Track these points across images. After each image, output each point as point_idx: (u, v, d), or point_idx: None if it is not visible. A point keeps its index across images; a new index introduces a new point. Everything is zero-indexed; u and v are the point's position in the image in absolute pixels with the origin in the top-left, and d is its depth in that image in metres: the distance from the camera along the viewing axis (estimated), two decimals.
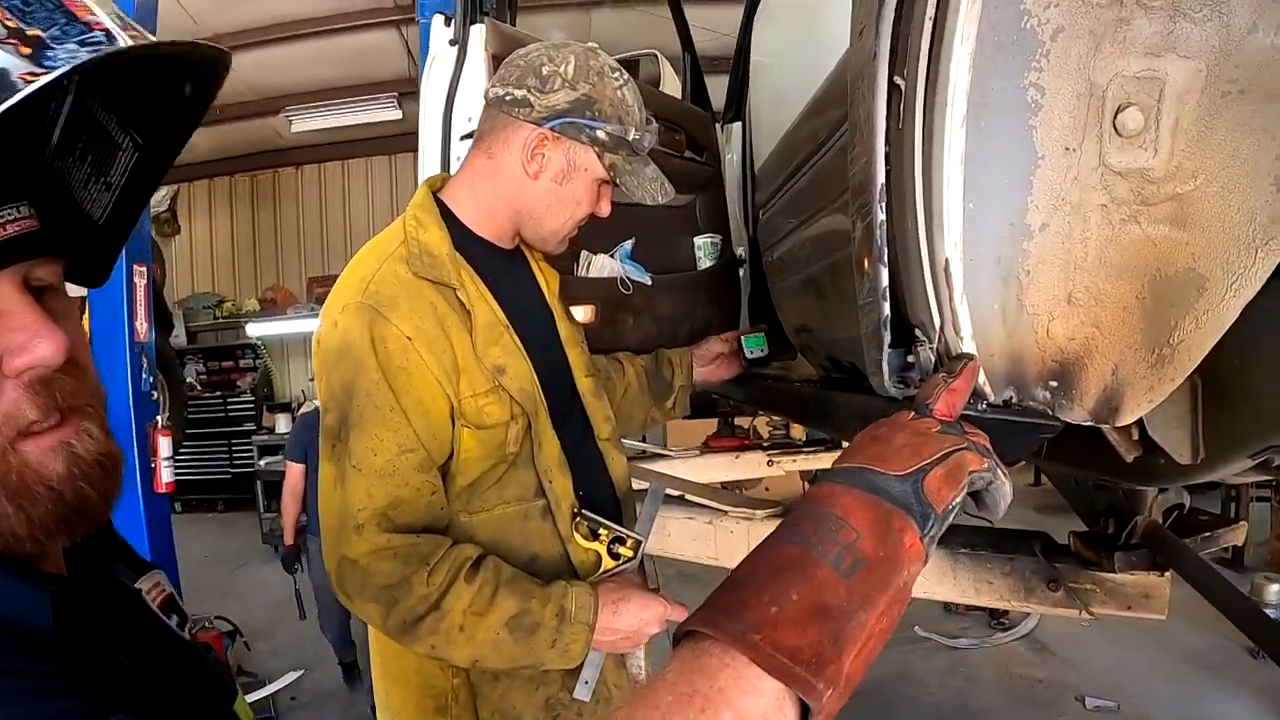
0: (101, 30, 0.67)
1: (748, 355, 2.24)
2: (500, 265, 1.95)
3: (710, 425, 5.57)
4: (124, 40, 0.67)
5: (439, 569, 1.68)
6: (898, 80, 1.13)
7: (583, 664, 1.80)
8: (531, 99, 1.81)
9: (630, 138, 1.85)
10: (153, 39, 0.70)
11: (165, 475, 5.04)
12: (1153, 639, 5.61)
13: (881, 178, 1.16)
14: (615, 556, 1.91)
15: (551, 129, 1.82)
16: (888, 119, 1.15)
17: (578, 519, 1.90)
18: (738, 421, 5.55)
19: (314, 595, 5.41)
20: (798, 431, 4.86)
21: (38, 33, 0.65)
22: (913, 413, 1.02)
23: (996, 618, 6.13)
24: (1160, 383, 1.13)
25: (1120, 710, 4.83)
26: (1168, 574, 1.84)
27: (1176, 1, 1.00)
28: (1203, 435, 1.27)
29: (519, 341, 1.88)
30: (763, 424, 5.42)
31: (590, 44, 1.90)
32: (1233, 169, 1.04)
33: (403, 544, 1.69)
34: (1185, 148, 1.05)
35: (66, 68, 0.63)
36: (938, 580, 2.00)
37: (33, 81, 0.61)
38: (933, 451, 0.94)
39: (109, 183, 0.89)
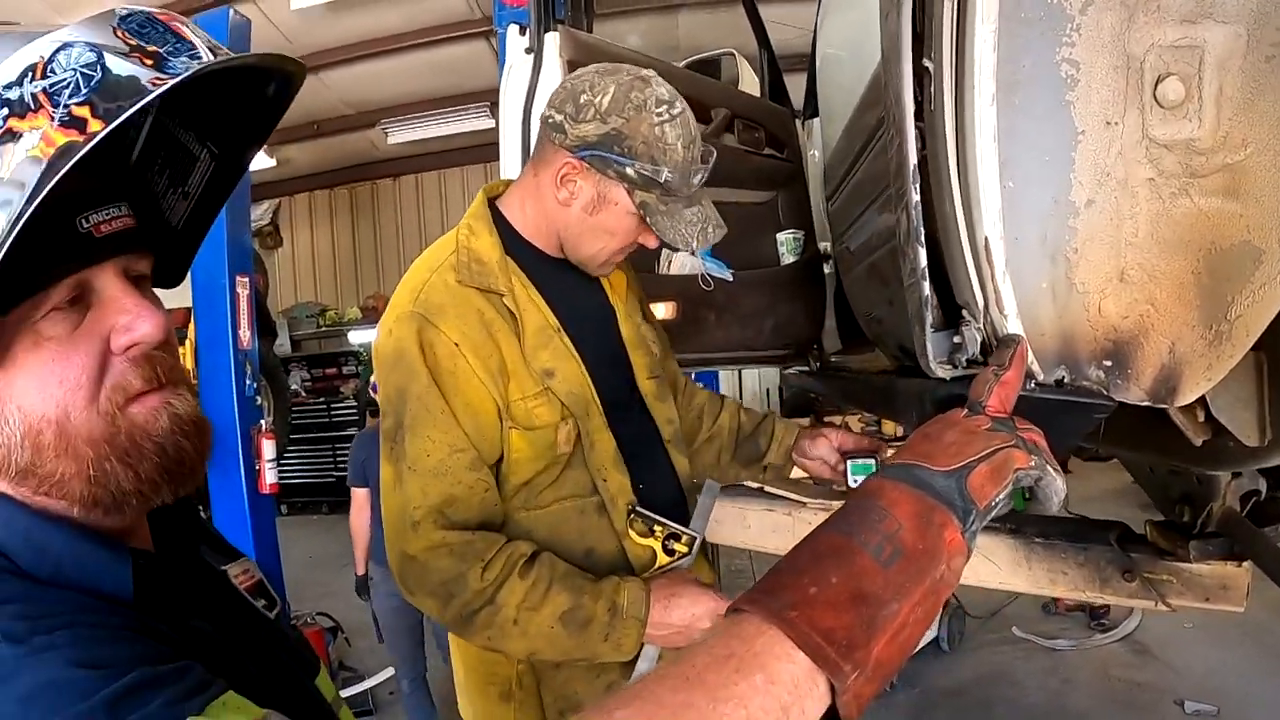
0: (205, 47, 0.79)
1: (850, 483, 2.03)
2: (553, 270, 1.94)
3: (805, 421, 5.57)
4: (218, 56, 0.79)
5: (494, 564, 1.72)
6: (926, 63, 1.13)
7: (638, 656, 1.82)
8: (566, 126, 1.77)
9: (663, 179, 1.75)
10: (237, 55, 0.81)
11: (269, 477, 5.24)
12: (1255, 641, 5.41)
13: (914, 159, 1.16)
14: (670, 553, 1.92)
15: (582, 159, 1.78)
16: (919, 101, 1.16)
17: (633, 515, 1.91)
18: (829, 419, 5.54)
19: (377, 621, 5.27)
20: (889, 427, 4.82)
21: (155, 49, 0.76)
22: (966, 410, 1.03)
23: (1096, 619, 5.97)
24: (1219, 360, 1.11)
25: (1220, 714, 4.66)
26: (1246, 564, 1.78)
27: None
28: (1270, 415, 1.24)
29: (570, 344, 1.88)
30: (855, 420, 5.39)
31: (648, 71, 1.82)
32: None
33: (458, 540, 1.74)
34: (1232, 116, 1.03)
35: (189, 73, 0.75)
36: (1012, 571, 1.97)
37: (160, 85, 0.74)
38: (979, 449, 0.95)
39: (186, 192, 1.00)
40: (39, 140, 0.71)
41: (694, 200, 1.86)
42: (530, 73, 2.84)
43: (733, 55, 5.04)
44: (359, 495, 5.18)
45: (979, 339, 1.17)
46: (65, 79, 0.73)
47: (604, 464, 1.90)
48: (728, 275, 3.28)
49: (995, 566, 1.95)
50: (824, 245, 3.90)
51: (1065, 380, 1.16)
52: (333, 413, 13.07)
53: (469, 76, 10.89)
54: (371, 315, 13.01)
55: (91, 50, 0.74)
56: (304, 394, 13.21)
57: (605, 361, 1.98)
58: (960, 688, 5.25)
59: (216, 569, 1.08)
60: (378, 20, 9.47)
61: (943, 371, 1.24)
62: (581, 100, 1.76)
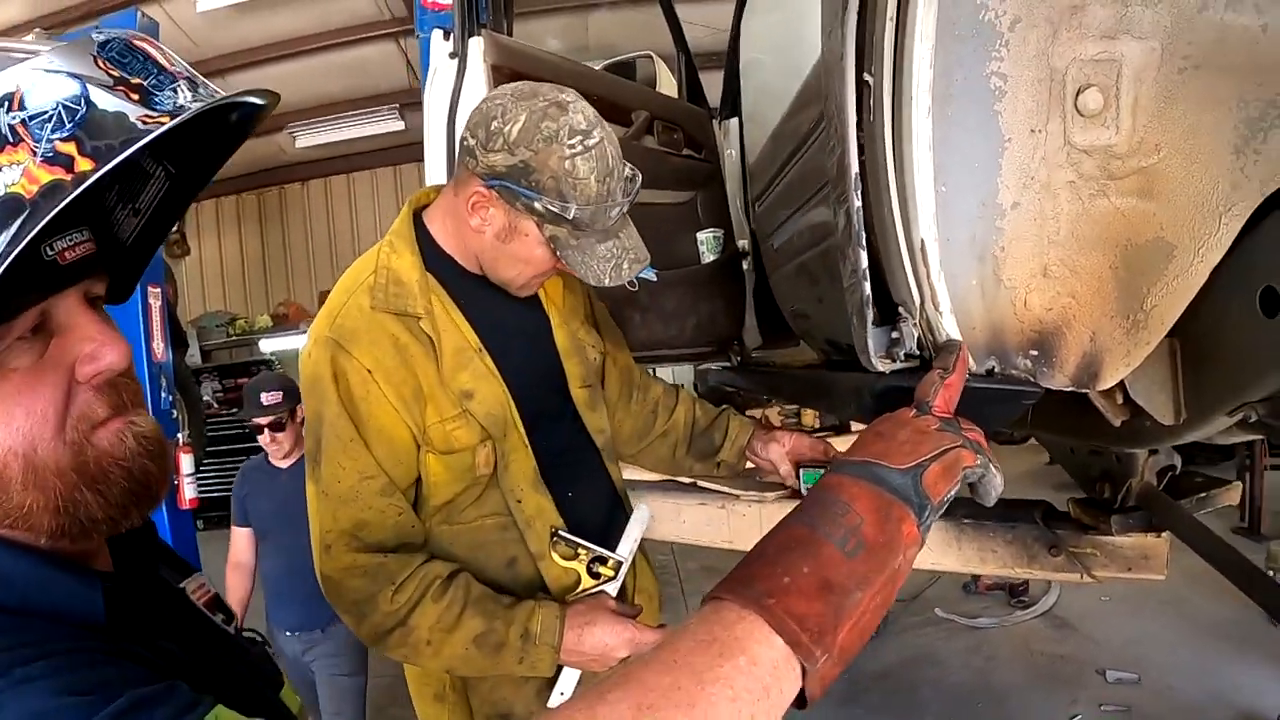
0: (184, 80, 0.79)
1: (802, 490, 2.01)
2: (476, 286, 1.89)
3: (759, 419, 5.64)
4: (202, 92, 0.79)
5: (405, 587, 1.74)
6: (866, 77, 1.19)
7: (558, 675, 1.83)
8: (477, 152, 1.71)
9: (570, 215, 1.68)
10: (221, 94, 0.81)
11: (189, 492, 5.13)
12: (1173, 612, 5.62)
13: (855, 167, 1.23)
14: (595, 576, 1.91)
15: (491, 188, 1.72)
16: (859, 112, 1.22)
17: (555, 539, 1.90)
18: (750, 412, 5.61)
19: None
20: (809, 419, 4.91)
21: (140, 81, 0.75)
22: (914, 410, 1.09)
23: (1016, 597, 6.13)
24: (1136, 347, 1.19)
25: (1141, 682, 4.83)
26: (1165, 535, 1.89)
27: None
28: (1183, 396, 1.33)
29: (491, 364, 1.85)
30: (774, 413, 5.47)
31: (564, 96, 1.73)
32: (1194, 141, 1.11)
33: (370, 563, 1.74)
34: (1146, 123, 1.11)
35: (181, 117, 0.75)
36: (943, 551, 2.06)
37: (150, 125, 0.73)
38: (931, 448, 1.01)
39: (137, 208, 0.98)
40: (20, 176, 0.70)
41: (611, 233, 1.79)
42: (455, 77, 2.85)
43: (650, 57, 5.09)
44: (239, 537, 4.09)
45: (915, 334, 1.24)
46: (46, 111, 0.71)
47: (519, 484, 1.89)
48: (651, 276, 3.32)
49: (928, 549, 2.02)
50: (742, 244, 3.98)
51: (995, 370, 1.24)
52: (245, 424, 12.80)
53: (378, 78, 10.78)
54: (282, 322, 12.77)
55: (74, 80, 0.72)
56: (216, 405, 12.91)
57: (535, 375, 1.97)
58: (887, 670, 5.36)
59: (175, 586, 1.07)
60: (285, 22, 9.33)
61: (882, 365, 1.31)
62: (492, 127, 1.69)
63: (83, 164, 0.71)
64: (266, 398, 4.02)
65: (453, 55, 2.87)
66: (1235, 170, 1.09)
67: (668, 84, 5.00)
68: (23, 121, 0.71)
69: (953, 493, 1.02)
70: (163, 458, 0.91)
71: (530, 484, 1.89)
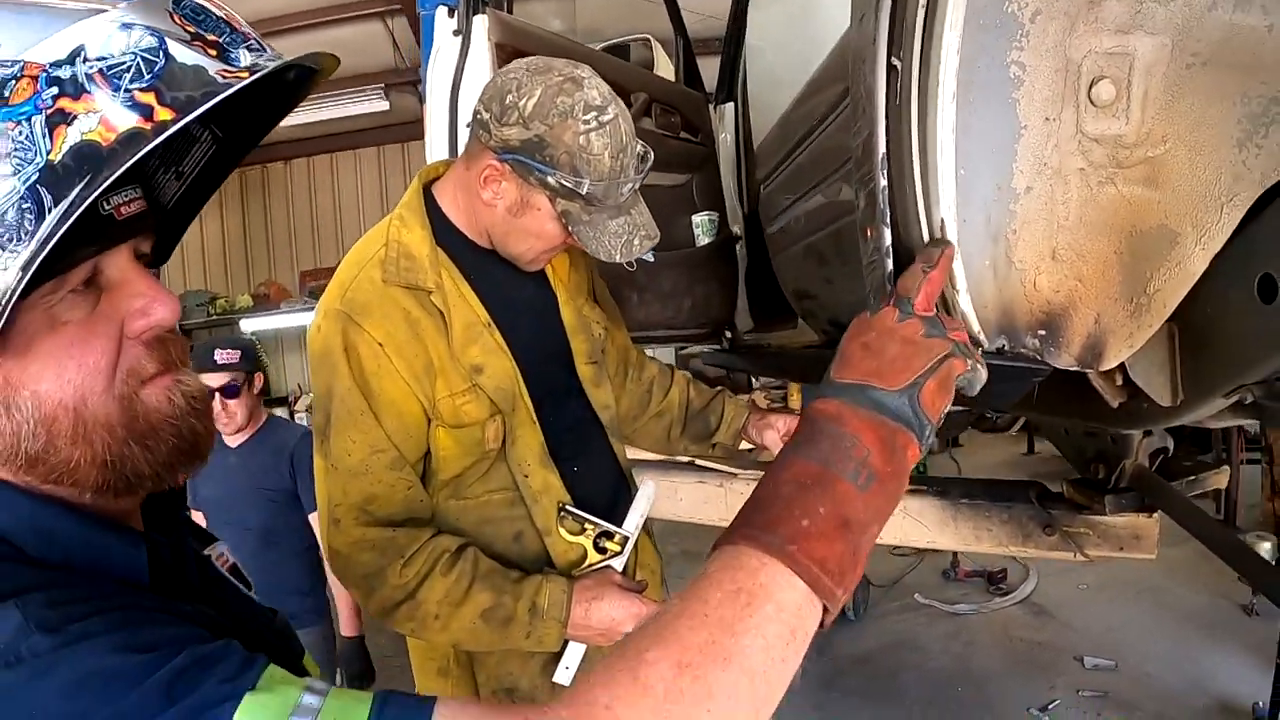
0: (254, 40, 0.81)
1: None
2: (485, 261, 1.90)
3: (754, 400, 5.73)
4: (269, 53, 0.81)
5: (414, 561, 1.75)
6: (895, 61, 1.24)
7: (564, 650, 1.86)
8: (491, 126, 1.72)
9: (584, 190, 1.69)
10: (285, 57, 0.83)
11: None
12: (1150, 600, 5.72)
13: (883, 148, 1.28)
14: (601, 550, 1.94)
15: (504, 161, 1.73)
16: (887, 95, 1.27)
17: (563, 513, 1.93)
18: (737, 395, 5.66)
19: None
20: (795, 401, 4.97)
21: (215, 38, 0.78)
22: (897, 312, 1.08)
23: (995, 583, 6.22)
24: (1139, 329, 1.24)
25: (1118, 668, 4.92)
26: (1156, 515, 1.94)
27: None
28: (1181, 378, 1.38)
29: (501, 338, 1.86)
30: (760, 396, 5.53)
31: (579, 72, 1.74)
32: (1199, 133, 1.16)
33: (379, 536, 1.76)
34: (1155, 115, 1.16)
35: (262, 72, 0.78)
36: (939, 529, 2.10)
37: (229, 79, 0.76)
38: (923, 363, 1.01)
39: (180, 172, 0.99)
40: (97, 124, 0.70)
41: (623, 209, 1.80)
42: (458, 55, 2.87)
43: (647, 41, 5.11)
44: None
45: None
46: (125, 62, 0.72)
47: (527, 459, 1.90)
48: (650, 257, 3.36)
49: (924, 527, 2.08)
50: (735, 228, 4.02)
51: (1005, 348, 1.28)
52: None
53: (364, 58, 10.68)
54: (263, 302, 12.68)
55: (153, 35, 0.73)
56: None
57: (542, 351, 1.98)
58: (867, 655, 5.43)
59: (201, 554, 1.08)
60: (272, 0, 9.26)
61: None
62: (507, 101, 1.70)
63: (163, 114, 0.72)
64: (221, 355, 3.51)
65: (456, 33, 2.89)
66: (1237, 162, 1.14)
67: (664, 67, 5.03)
68: (100, 71, 0.71)
69: (948, 407, 1.03)
70: (208, 417, 0.92)
71: (538, 459, 1.91)
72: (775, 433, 2.20)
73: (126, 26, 0.73)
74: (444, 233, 1.88)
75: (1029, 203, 1.21)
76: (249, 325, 12.46)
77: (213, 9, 0.80)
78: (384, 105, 11.40)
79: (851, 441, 0.94)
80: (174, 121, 0.73)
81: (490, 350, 1.85)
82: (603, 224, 1.78)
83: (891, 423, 0.97)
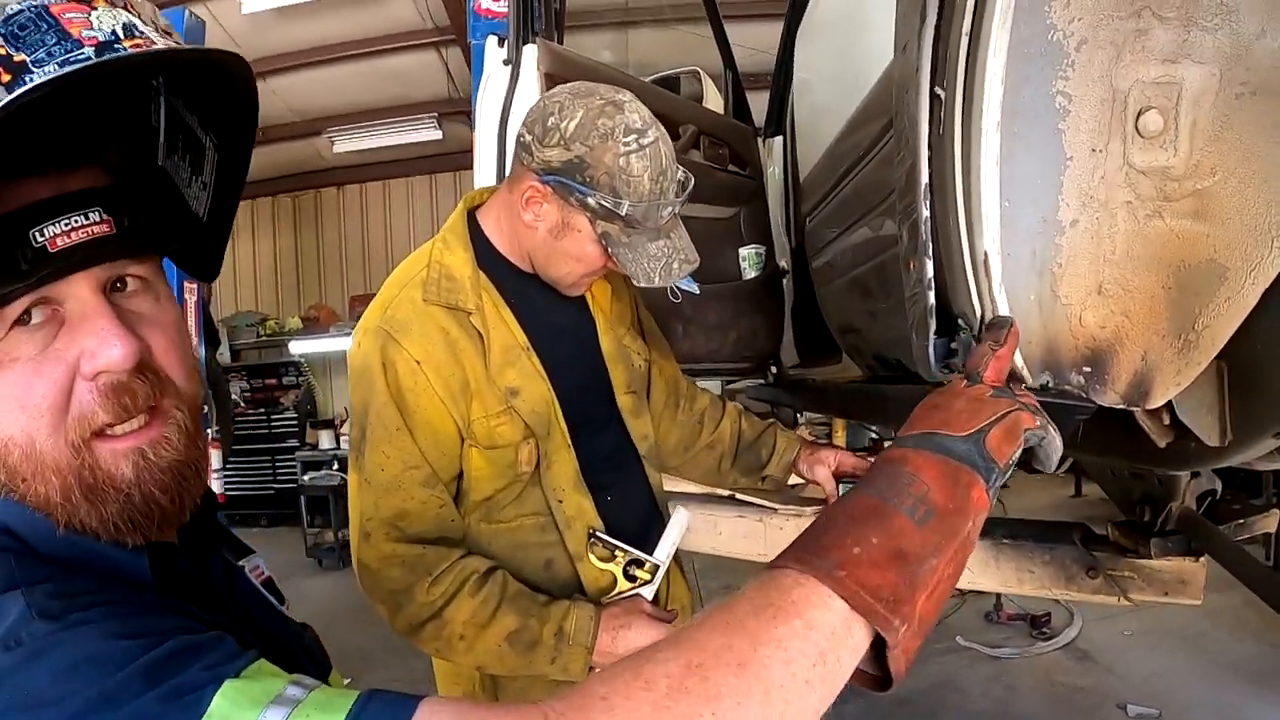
0: (92, 46, 0.71)
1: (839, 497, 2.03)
2: (527, 285, 1.90)
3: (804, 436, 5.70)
4: (115, 53, 0.72)
5: (442, 580, 1.75)
6: (938, 90, 1.23)
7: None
8: (533, 147, 1.74)
9: (624, 212, 1.70)
10: (148, 49, 0.73)
11: (215, 487, 5.20)
12: (1195, 647, 5.58)
13: (925, 178, 1.27)
14: (631, 579, 1.92)
15: (546, 183, 1.74)
16: (930, 125, 1.26)
17: (593, 540, 1.91)
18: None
19: None
20: (840, 439, 4.93)
21: (23, 58, 0.69)
22: (965, 381, 1.09)
23: (1038, 627, 6.10)
24: (1187, 367, 1.22)
25: (1162, 717, 4.81)
26: (1203, 559, 1.90)
27: (1190, 12, 1.10)
28: (1230, 418, 1.35)
29: (539, 363, 1.86)
30: (805, 432, 5.49)
31: (623, 95, 1.76)
32: (1249, 165, 1.13)
33: (409, 554, 1.76)
34: (1203, 146, 1.14)
35: (6, 99, 0.67)
36: (981, 570, 2.07)
37: None
38: (990, 413, 1.00)
39: (204, 181, 0.94)
40: None
41: (662, 232, 1.80)
42: (508, 84, 2.89)
43: (696, 73, 5.14)
44: None
45: (974, 346, 1.27)
46: None
47: (561, 485, 1.90)
48: (695, 289, 3.36)
49: (966, 567, 2.04)
50: (782, 262, 4.01)
51: (1049, 385, 1.26)
52: (272, 424, 12.88)
53: (418, 87, 10.85)
54: (312, 325, 12.84)
55: None
56: (243, 405, 13.01)
57: (581, 377, 1.98)
58: (908, 696, 5.34)
59: (235, 565, 1.07)
60: (328, 27, 9.41)
61: (941, 375, 1.34)
62: (549, 123, 1.71)
63: None
64: None
65: (506, 62, 2.92)
66: None
67: (713, 100, 5.05)
68: None
69: (1017, 455, 1.00)
70: (179, 487, 0.86)
71: (572, 484, 1.91)
72: (825, 468, 2.17)
73: None
74: (486, 256, 1.88)
75: (1075, 236, 1.20)
76: (297, 348, 12.62)
77: (55, 16, 0.72)
78: (437, 134, 11.55)
79: (910, 478, 0.93)
80: None
81: (527, 374, 1.85)
82: (642, 246, 1.77)
83: (954, 461, 0.95)
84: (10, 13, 0.70)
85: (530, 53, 2.87)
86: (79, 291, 0.79)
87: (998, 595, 6.17)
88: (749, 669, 0.75)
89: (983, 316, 1.24)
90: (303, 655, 1.06)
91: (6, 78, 0.68)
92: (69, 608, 0.72)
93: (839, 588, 0.82)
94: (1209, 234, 1.17)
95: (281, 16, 8.93)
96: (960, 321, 1.29)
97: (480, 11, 3.98)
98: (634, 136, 1.70)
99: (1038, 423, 1.03)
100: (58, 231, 0.77)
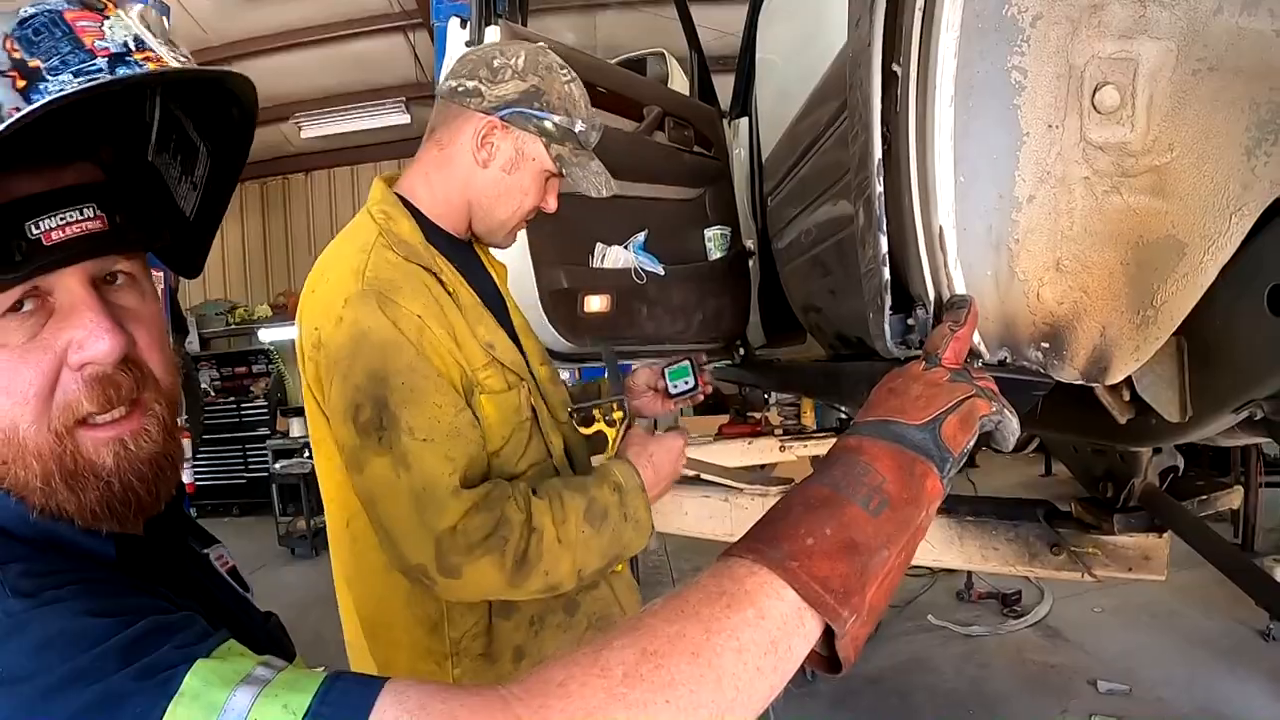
0: (105, 57, 0.75)
1: (671, 391, 2.14)
2: (462, 254, 1.96)
3: (724, 418, 5.73)
4: (129, 70, 0.75)
5: (515, 498, 1.73)
6: (895, 68, 1.22)
7: None
8: (483, 89, 1.84)
9: (577, 129, 1.89)
10: (161, 67, 0.77)
11: (185, 477, 5.14)
12: (1165, 624, 5.64)
13: (879, 153, 1.26)
14: (613, 424, 2.00)
15: (501, 118, 1.85)
16: (884, 100, 1.25)
17: (571, 415, 2.00)
18: (750, 414, 5.66)
19: None
20: (809, 420, 4.93)
21: (38, 64, 0.72)
22: (924, 363, 1.09)
23: (1008, 605, 6.15)
24: (1146, 342, 1.22)
25: (1132, 693, 4.84)
26: (1166, 535, 1.91)
27: None
28: (1190, 393, 1.35)
29: (494, 319, 1.90)
30: (774, 415, 5.50)
31: (540, 43, 1.95)
32: (1206, 141, 1.13)
33: (479, 495, 1.71)
34: (1160, 122, 1.14)
35: (25, 111, 0.69)
36: (945, 547, 2.07)
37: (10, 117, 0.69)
38: (946, 400, 1.01)
39: (194, 182, 0.96)
40: None
41: (593, 154, 1.97)
42: None
43: (662, 55, 5.12)
44: None
45: (931, 322, 1.26)
46: None
47: (549, 430, 1.95)
48: (659, 270, 3.36)
49: (929, 544, 2.05)
50: (748, 243, 4.00)
51: (1007, 361, 1.26)
52: (242, 413, 12.79)
53: (386, 71, 10.79)
54: (281, 312, 12.76)
55: None
56: (213, 394, 12.92)
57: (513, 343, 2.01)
58: (880, 675, 5.37)
59: (200, 553, 1.08)
60: (294, 12, 9.33)
61: (898, 352, 1.34)
62: (495, 64, 1.85)
63: None
64: None
65: (469, 44, 2.90)
66: (1246, 171, 1.11)
67: (679, 82, 5.03)
68: None
69: (971, 443, 1.02)
70: (156, 479, 0.88)
71: (553, 427, 1.97)
72: (650, 373, 2.24)
73: None
74: (423, 227, 1.89)
75: (1032, 212, 1.19)
76: (266, 335, 12.54)
77: (69, 22, 0.76)
78: (405, 118, 11.49)
79: (865, 468, 0.94)
80: None
81: (494, 329, 1.87)
82: (587, 164, 1.94)
83: (909, 451, 0.97)
84: (24, 15, 0.73)
85: (493, 35, 2.85)
86: (69, 284, 0.81)
87: (969, 574, 6.22)
88: (702, 656, 0.77)
89: (939, 293, 1.23)
90: (268, 642, 1.04)
91: (21, 83, 0.71)
92: (43, 585, 0.73)
93: (791, 578, 0.83)
94: (1167, 210, 1.16)
95: (248, 2, 8.84)
96: (917, 298, 1.28)
97: None
98: (566, 70, 1.90)
99: (993, 408, 1.04)
100: (53, 225, 0.79)
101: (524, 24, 3.32)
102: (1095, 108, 1.13)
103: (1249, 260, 1.15)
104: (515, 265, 2.56)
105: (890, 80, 1.24)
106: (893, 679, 5.32)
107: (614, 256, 3.44)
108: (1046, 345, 1.24)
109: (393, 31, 9.90)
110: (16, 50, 0.72)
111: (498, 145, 1.87)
